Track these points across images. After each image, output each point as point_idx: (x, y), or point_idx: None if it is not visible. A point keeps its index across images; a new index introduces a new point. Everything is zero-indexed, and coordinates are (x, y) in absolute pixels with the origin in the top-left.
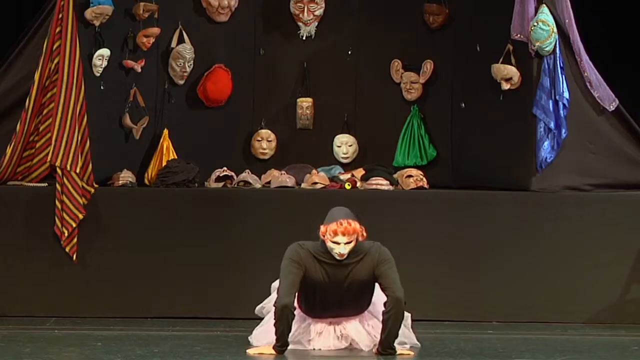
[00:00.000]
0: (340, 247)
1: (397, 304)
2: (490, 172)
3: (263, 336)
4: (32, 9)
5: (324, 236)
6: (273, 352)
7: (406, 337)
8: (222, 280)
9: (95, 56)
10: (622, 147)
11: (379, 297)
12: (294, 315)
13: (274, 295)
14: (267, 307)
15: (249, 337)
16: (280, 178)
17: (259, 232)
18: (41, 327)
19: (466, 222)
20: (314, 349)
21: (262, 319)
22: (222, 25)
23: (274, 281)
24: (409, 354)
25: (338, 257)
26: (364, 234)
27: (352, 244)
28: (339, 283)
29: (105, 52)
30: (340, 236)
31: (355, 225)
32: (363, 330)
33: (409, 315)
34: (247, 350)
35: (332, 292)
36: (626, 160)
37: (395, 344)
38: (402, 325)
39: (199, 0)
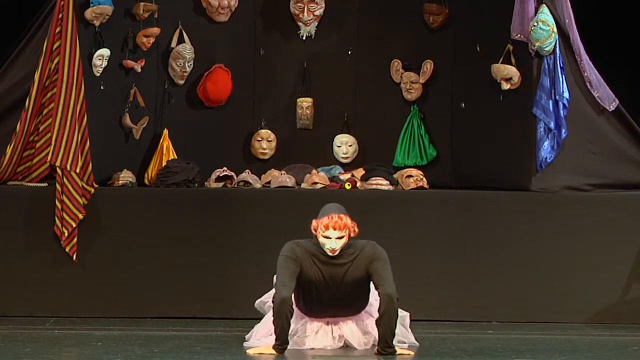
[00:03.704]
0: (332, 242)
1: (388, 300)
2: (490, 172)
3: (263, 332)
4: (32, 9)
5: (315, 231)
6: (273, 351)
7: (404, 337)
8: (222, 280)
9: (95, 56)
10: (622, 147)
11: (376, 298)
12: (293, 310)
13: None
14: (269, 303)
15: (245, 336)
16: (280, 178)
17: (259, 232)
18: (41, 327)
19: (466, 222)
20: (310, 349)
21: (261, 314)
22: (222, 25)
23: (274, 275)
24: (409, 354)
25: (330, 253)
26: (356, 229)
27: (344, 240)
28: (335, 282)
29: (105, 52)
30: (331, 230)
31: (347, 220)
32: (358, 332)
33: (407, 314)
34: (247, 351)
35: (329, 291)
36: (626, 160)
37: (394, 343)
38: (400, 325)
39: (199, 0)
